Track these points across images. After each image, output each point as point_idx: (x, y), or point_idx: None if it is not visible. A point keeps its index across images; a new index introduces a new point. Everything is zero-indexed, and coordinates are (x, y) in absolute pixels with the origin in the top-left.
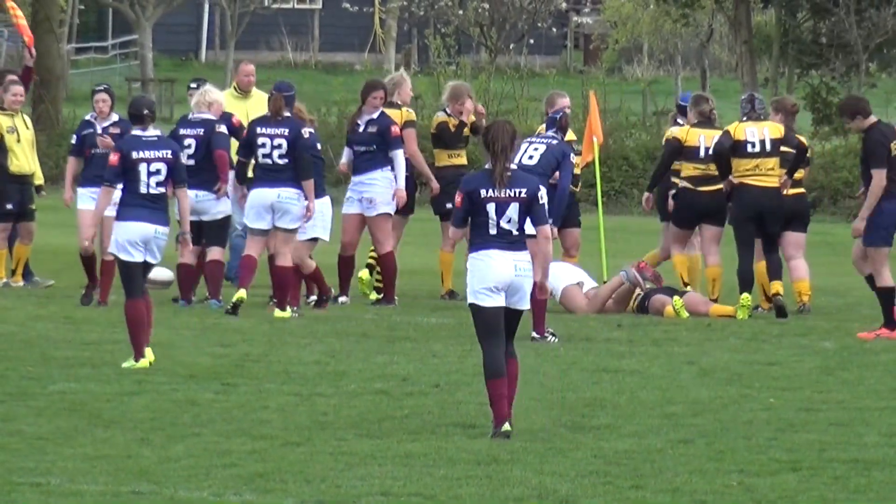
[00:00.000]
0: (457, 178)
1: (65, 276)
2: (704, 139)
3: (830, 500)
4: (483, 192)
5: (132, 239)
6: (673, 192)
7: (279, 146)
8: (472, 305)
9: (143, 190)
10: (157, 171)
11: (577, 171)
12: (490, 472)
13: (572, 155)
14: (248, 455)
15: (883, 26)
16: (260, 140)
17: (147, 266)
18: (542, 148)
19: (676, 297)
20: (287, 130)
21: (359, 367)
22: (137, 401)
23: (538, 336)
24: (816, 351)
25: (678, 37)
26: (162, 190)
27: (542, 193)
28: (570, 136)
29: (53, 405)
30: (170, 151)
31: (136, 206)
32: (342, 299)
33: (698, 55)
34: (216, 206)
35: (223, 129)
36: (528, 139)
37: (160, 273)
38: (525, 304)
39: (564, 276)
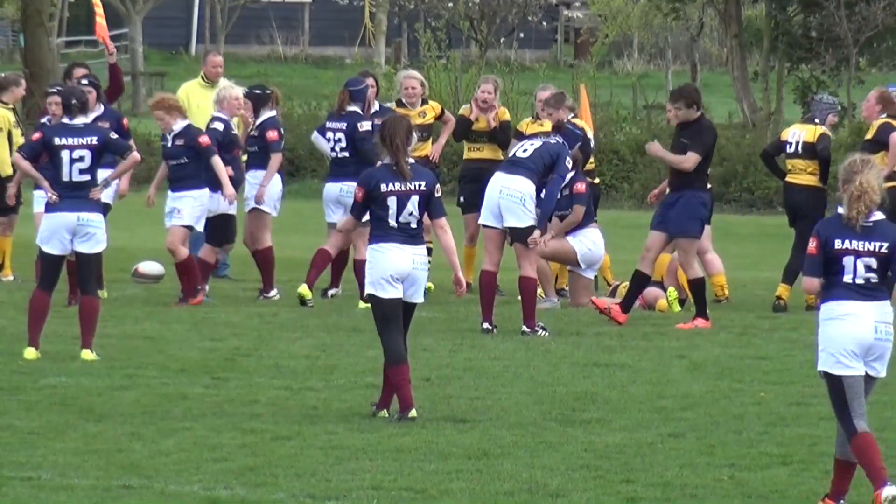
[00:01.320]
0: (477, 171)
1: None
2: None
3: (821, 494)
4: (384, 187)
5: (56, 230)
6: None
7: (339, 140)
8: (370, 296)
9: (65, 178)
10: (81, 159)
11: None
12: (481, 466)
13: (569, 158)
14: (238, 449)
15: (873, 20)
16: (328, 135)
17: (88, 257)
18: (538, 144)
19: (671, 289)
20: (345, 124)
21: (349, 361)
22: (128, 395)
23: (528, 330)
24: (807, 345)
25: (668, 31)
26: (86, 178)
27: (438, 187)
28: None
29: (44, 399)
30: (95, 138)
31: (60, 196)
32: (332, 291)
33: (688, 49)
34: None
35: (217, 125)
36: (528, 136)
37: (151, 267)
38: (420, 298)
39: (594, 254)
